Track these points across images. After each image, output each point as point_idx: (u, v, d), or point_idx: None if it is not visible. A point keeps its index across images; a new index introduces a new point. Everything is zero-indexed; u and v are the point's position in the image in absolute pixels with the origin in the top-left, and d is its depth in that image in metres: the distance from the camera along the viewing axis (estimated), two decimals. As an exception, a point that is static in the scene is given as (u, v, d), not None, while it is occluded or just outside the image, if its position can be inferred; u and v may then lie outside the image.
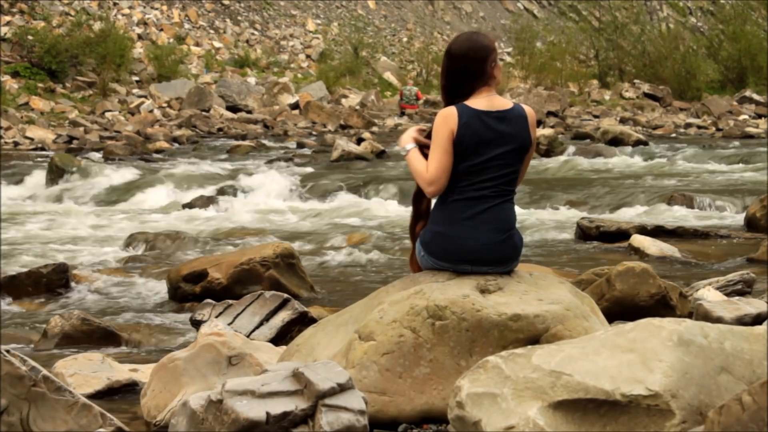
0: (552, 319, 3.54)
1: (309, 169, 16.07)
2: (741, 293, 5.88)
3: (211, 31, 34.23)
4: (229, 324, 4.98)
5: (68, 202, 13.46)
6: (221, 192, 13.25)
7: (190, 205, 12.44)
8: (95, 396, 4.02)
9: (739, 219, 10.16)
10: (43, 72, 26.88)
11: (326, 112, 27.43)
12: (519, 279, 3.74)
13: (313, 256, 8.44)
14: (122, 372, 4.29)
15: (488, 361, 3.08)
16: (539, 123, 24.59)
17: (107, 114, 25.52)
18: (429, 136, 3.82)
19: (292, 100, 29.26)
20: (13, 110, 24.00)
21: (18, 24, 28.43)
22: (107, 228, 10.67)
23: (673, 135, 25.39)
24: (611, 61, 40.55)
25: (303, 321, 5.10)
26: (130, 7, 32.66)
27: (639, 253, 7.95)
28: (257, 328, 5.09)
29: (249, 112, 28.00)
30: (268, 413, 2.94)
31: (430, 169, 3.72)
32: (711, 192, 12.27)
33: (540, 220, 10.63)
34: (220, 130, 24.87)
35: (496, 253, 3.70)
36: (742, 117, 29.79)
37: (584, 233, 9.11)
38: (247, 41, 34.70)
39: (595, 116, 30.65)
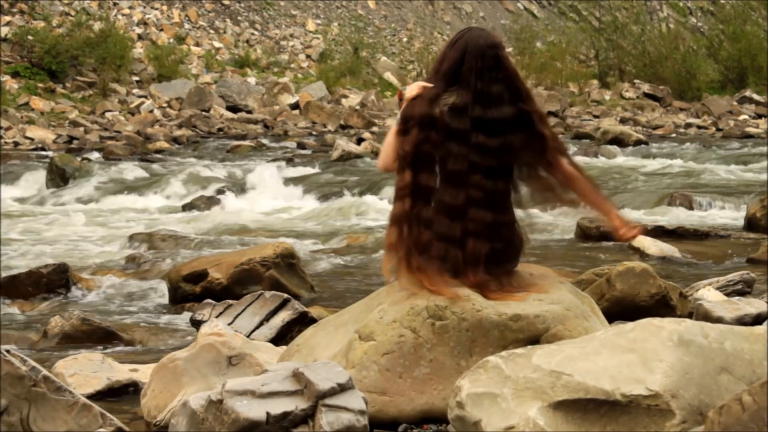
0: (552, 319, 3.54)
1: (309, 169, 16.06)
2: (741, 293, 5.88)
3: (211, 31, 34.23)
4: (229, 324, 4.98)
5: (68, 202, 13.46)
6: (221, 192, 13.26)
7: (190, 205, 12.44)
8: (95, 396, 4.02)
9: (739, 219, 10.15)
10: (43, 72, 26.88)
11: (326, 112, 27.44)
12: (519, 279, 3.74)
13: (313, 256, 8.44)
14: (122, 372, 4.29)
15: (488, 361, 3.08)
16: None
17: (107, 114, 25.52)
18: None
19: (292, 100, 29.25)
20: (13, 110, 24.00)
21: (18, 24, 28.43)
22: (107, 228, 10.67)
23: (673, 135, 25.40)
24: (611, 61, 40.54)
25: (303, 321, 5.10)
26: (130, 7, 32.66)
27: (639, 253, 7.95)
28: (257, 328, 5.09)
29: (249, 112, 28.00)
30: (268, 413, 2.94)
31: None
32: (711, 192, 12.27)
33: (540, 220, 10.63)
34: (220, 130, 24.87)
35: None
36: (742, 117, 29.79)
37: (584, 233, 9.11)
38: (247, 41, 34.70)
39: (595, 116, 30.65)
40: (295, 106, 29.00)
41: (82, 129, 23.16)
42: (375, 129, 25.14)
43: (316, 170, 15.97)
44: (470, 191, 3.58)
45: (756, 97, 33.21)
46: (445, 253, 3.57)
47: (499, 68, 3.65)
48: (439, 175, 3.63)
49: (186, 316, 5.96)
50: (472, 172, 3.58)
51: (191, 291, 6.57)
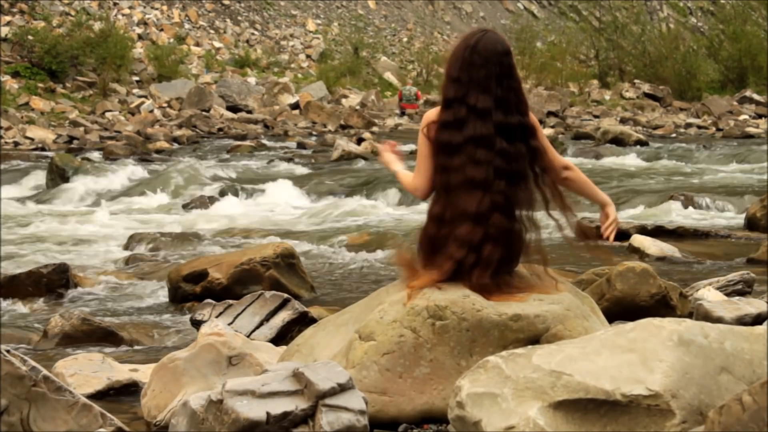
0: (552, 319, 3.54)
1: (309, 169, 16.07)
2: (741, 293, 5.87)
3: (212, 31, 34.23)
4: (230, 324, 4.98)
5: (68, 202, 13.46)
6: (221, 192, 13.26)
7: (190, 205, 12.45)
8: (95, 396, 4.02)
9: (739, 219, 10.15)
10: (43, 72, 26.89)
11: (326, 112, 27.45)
12: (519, 279, 3.74)
13: (313, 256, 8.44)
14: (122, 372, 4.29)
15: (488, 361, 3.08)
16: (540, 123, 24.58)
17: (107, 114, 25.53)
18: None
19: (292, 100, 29.26)
20: (13, 110, 24.01)
21: (18, 24, 28.44)
22: (107, 228, 10.67)
23: (673, 135, 25.40)
24: (611, 61, 40.58)
25: (303, 321, 5.10)
26: (130, 7, 32.67)
27: (639, 253, 7.95)
28: (257, 328, 5.09)
29: (249, 112, 28.01)
30: (268, 413, 2.94)
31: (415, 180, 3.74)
32: (711, 192, 12.26)
33: (540, 220, 10.62)
34: (220, 130, 24.88)
35: (496, 252, 3.69)
36: (742, 117, 29.81)
37: (584, 233, 9.09)
38: (247, 41, 34.70)
39: (596, 116, 30.66)
40: (295, 106, 29.01)
41: (82, 129, 23.16)
42: (375, 129, 25.16)
43: (316, 170, 15.97)
44: (495, 197, 3.60)
45: (756, 97, 33.22)
46: (461, 257, 3.58)
47: (512, 76, 3.69)
48: (449, 182, 3.65)
49: (186, 316, 5.96)
50: (497, 178, 3.61)
51: (191, 291, 6.57)
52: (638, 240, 8.22)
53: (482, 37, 3.72)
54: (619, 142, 20.25)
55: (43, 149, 20.32)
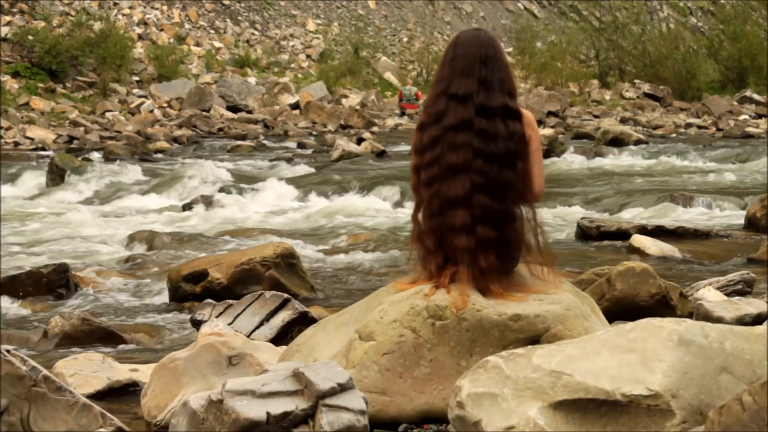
0: (552, 319, 3.54)
1: (309, 169, 16.07)
2: (741, 293, 5.87)
3: (212, 31, 34.23)
4: (230, 324, 4.98)
5: (68, 202, 13.46)
6: (221, 192, 13.26)
7: (190, 205, 12.44)
8: (95, 396, 4.02)
9: (739, 219, 10.15)
10: (43, 72, 26.88)
11: (326, 112, 27.44)
12: (519, 279, 3.74)
13: (313, 256, 8.44)
14: (122, 372, 4.29)
15: (488, 361, 3.08)
16: (540, 123, 24.60)
17: (107, 114, 25.53)
18: None
19: (292, 100, 29.26)
20: (13, 110, 24.00)
21: (18, 24, 28.44)
22: (107, 228, 10.66)
23: (674, 135, 25.39)
24: (612, 61, 40.57)
25: (303, 321, 5.10)
26: (131, 7, 32.66)
27: (639, 253, 7.95)
28: (257, 328, 5.09)
29: (249, 112, 28.00)
30: (268, 413, 2.94)
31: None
32: (711, 192, 12.27)
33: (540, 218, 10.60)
34: (220, 130, 24.87)
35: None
36: (742, 117, 29.79)
37: (584, 233, 9.11)
38: (247, 41, 34.70)
39: (596, 116, 30.65)
40: (295, 106, 29.00)
41: (82, 129, 23.15)
42: (375, 129, 25.16)
43: (316, 170, 15.97)
44: (473, 177, 3.59)
45: (756, 97, 33.20)
46: (466, 245, 3.58)
47: (498, 59, 3.72)
48: (434, 171, 3.65)
49: (186, 316, 5.96)
50: (474, 158, 3.61)
51: (191, 291, 6.57)
52: (638, 240, 8.22)
53: (462, 33, 3.83)
54: (619, 142, 20.24)
55: (43, 149, 20.31)
